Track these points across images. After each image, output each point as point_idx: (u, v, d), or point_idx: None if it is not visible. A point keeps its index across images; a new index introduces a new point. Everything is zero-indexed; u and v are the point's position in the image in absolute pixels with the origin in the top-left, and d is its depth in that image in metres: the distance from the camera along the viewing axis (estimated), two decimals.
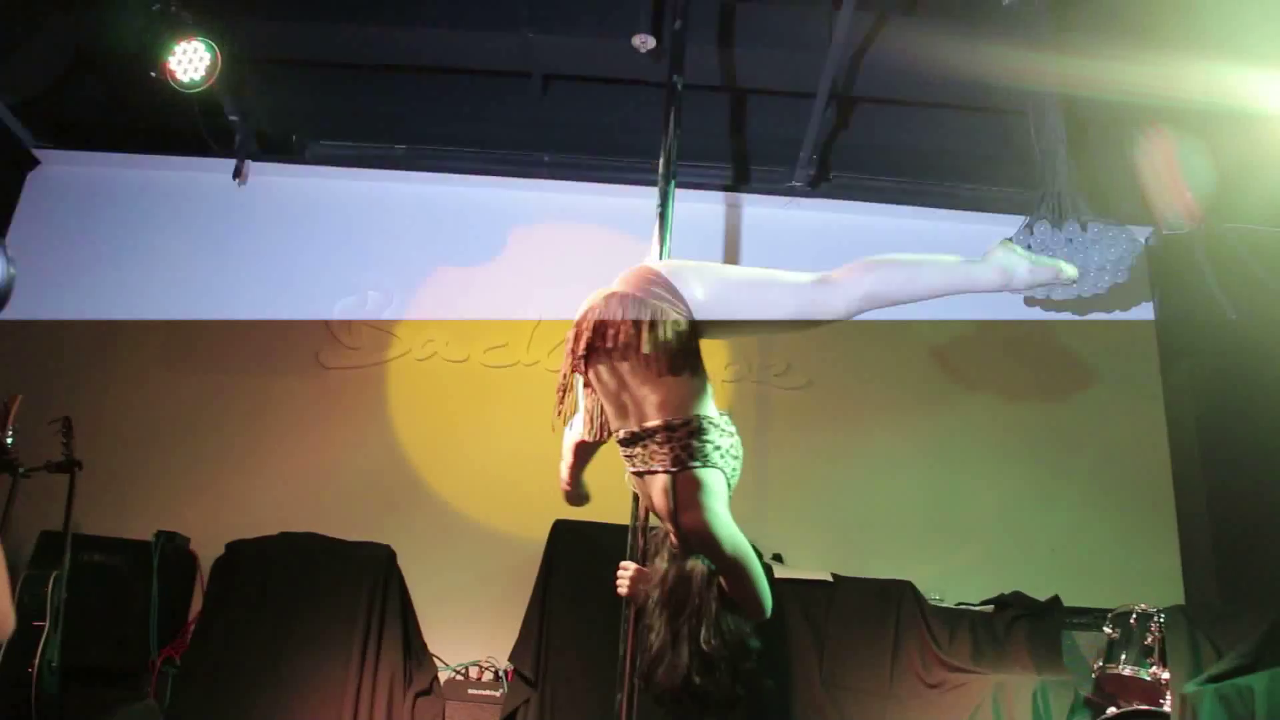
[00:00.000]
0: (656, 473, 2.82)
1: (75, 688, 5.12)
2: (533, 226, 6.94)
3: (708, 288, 2.91)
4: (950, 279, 2.99)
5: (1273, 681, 3.91)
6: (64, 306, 6.63)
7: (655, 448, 2.81)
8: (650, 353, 2.79)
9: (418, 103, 6.54)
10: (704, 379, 2.93)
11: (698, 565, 2.82)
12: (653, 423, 2.82)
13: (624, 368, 2.86)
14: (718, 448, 2.82)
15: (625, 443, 2.90)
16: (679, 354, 2.82)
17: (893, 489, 6.42)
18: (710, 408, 2.90)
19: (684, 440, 2.79)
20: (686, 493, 2.77)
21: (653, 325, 2.81)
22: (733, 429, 2.91)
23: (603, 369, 2.90)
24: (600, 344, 2.87)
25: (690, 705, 2.76)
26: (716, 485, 2.80)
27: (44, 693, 4.84)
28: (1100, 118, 6.03)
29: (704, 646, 2.73)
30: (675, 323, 2.82)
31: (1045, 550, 6.20)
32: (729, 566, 2.77)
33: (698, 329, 2.89)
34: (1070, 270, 3.03)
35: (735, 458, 2.88)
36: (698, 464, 2.78)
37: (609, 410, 2.96)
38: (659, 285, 2.88)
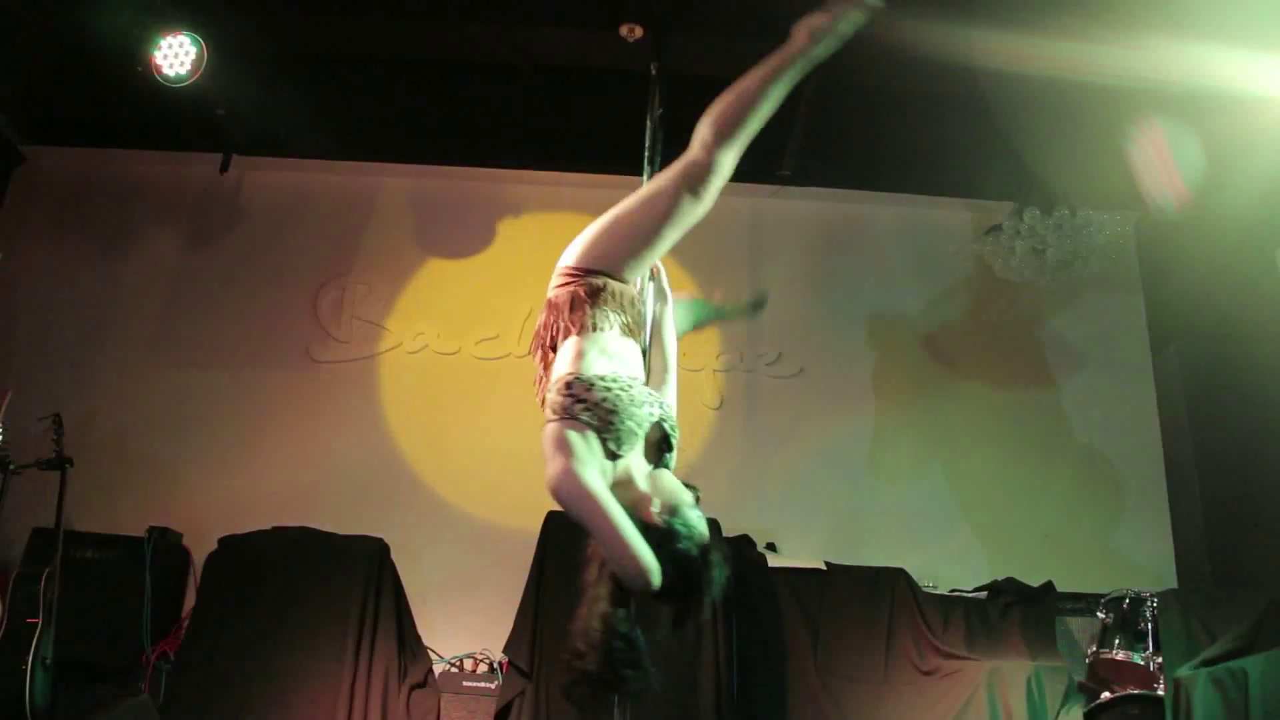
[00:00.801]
0: None
1: (69, 684, 5.13)
2: (521, 217, 6.93)
3: (598, 239, 3.13)
4: (771, 63, 3.05)
5: (1266, 664, 3.91)
6: (52, 303, 6.61)
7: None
8: (543, 333, 3.06)
9: (405, 95, 6.51)
10: (597, 339, 2.97)
11: None
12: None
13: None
14: (581, 401, 2.78)
15: None
16: (564, 322, 3.00)
17: (885, 476, 6.44)
18: (594, 366, 2.90)
19: (552, 398, 2.83)
20: (545, 449, 2.77)
21: (548, 308, 3.08)
22: (618, 385, 2.85)
23: None
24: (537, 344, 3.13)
25: (576, 688, 2.75)
26: (573, 441, 2.73)
27: (38, 690, 4.84)
28: (1089, 102, 6.02)
29: (579, 624, 2.73)
30: (571, 298, 3.03)
31: (1038, 536, 6.22)
32: (586, 525, 2.71)
33: (597, 285, 3.04)
34: None
35: (612, 411, 2.79)
36: (555, 419, 2.79)
37: None
38: (558, 273, 3.13)
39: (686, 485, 2.89)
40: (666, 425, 2.97)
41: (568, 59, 6.23)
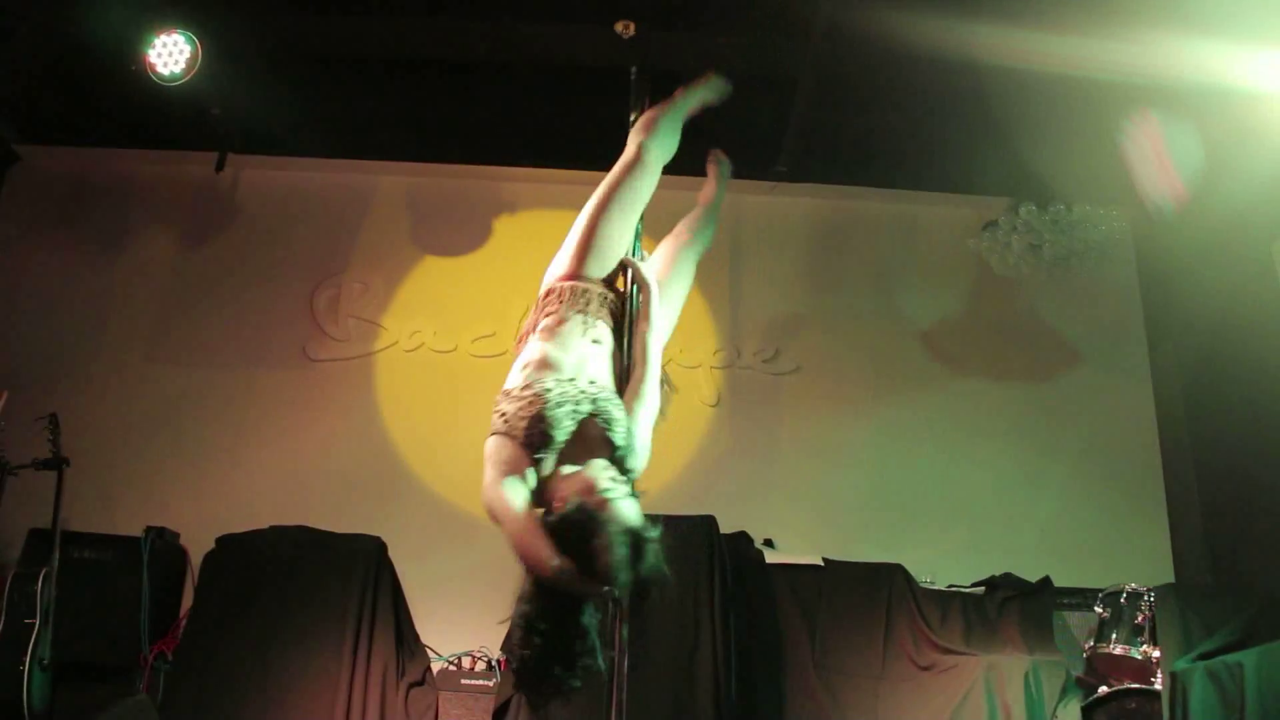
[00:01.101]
0: None
1: (67, 685, 5.11)
2: (517, 215, 6.93)
3: (566, 246, 3.40)
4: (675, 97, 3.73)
5: (1262, 658, 3.92)
6: (48, 302, 6.60)
7: None
8: None
9: (400, 92, 6.50)
10: (531, 348, 3.17)
11: None
12: None
13: None
14: (501, 414, 2.99)
15: None
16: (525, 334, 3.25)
17: (882, 472, 6.44)
18: (517, 377, 3.09)
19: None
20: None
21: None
22: (531, 392, 2.98)
23: None
24: None
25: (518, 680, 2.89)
26: (494, 451, 2.97)
27: (36, 690, 4.83)
28: (1085, 97, 6.03)
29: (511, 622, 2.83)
30: (544, 292, 3.30)
31: (1035, 531, 6.22)
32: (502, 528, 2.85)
33: (545, 292, 3.31)
34: None
35: (523, 419, 2.93)
36: (489, 435, 3.00)
37: None
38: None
39: (625, 471, 2.94)
40: (600, 420, 2.97)
41: (563, 56, 6.22)
